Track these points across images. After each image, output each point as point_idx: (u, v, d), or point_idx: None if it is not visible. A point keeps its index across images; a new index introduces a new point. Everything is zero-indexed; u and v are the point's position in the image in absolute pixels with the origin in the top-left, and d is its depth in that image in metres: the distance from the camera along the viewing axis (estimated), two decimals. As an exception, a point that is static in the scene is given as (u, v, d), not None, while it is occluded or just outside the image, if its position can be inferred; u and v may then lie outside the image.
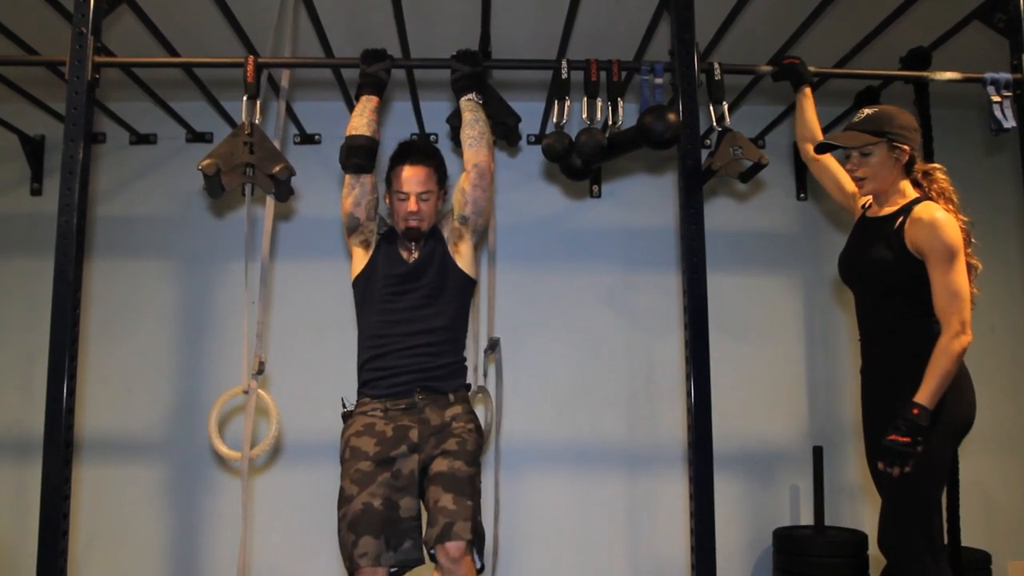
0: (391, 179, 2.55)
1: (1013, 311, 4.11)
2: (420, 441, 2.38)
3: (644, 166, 4.19)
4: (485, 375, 2.92)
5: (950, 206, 2.33)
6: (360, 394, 2.53)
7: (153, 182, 4.09)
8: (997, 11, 2.64)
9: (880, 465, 2.20)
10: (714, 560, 2.24)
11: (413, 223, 2.49)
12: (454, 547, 2.20)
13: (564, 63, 2.57)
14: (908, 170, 2.37)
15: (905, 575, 2.25)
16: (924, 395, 2.15)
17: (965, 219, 2.33)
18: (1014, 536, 4.03)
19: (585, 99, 2.55)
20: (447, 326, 2.51)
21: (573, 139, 2.58)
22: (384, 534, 2.25)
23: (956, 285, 2.17)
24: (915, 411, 2.14)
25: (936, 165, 2.45)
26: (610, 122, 2.58)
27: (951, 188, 2.38)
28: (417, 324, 2.46)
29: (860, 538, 3.76)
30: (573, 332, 4.07)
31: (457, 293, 2.55)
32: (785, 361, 4.15)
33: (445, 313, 2.51)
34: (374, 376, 2.47)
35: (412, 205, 2.48)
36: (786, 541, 3.78)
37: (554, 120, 2.61)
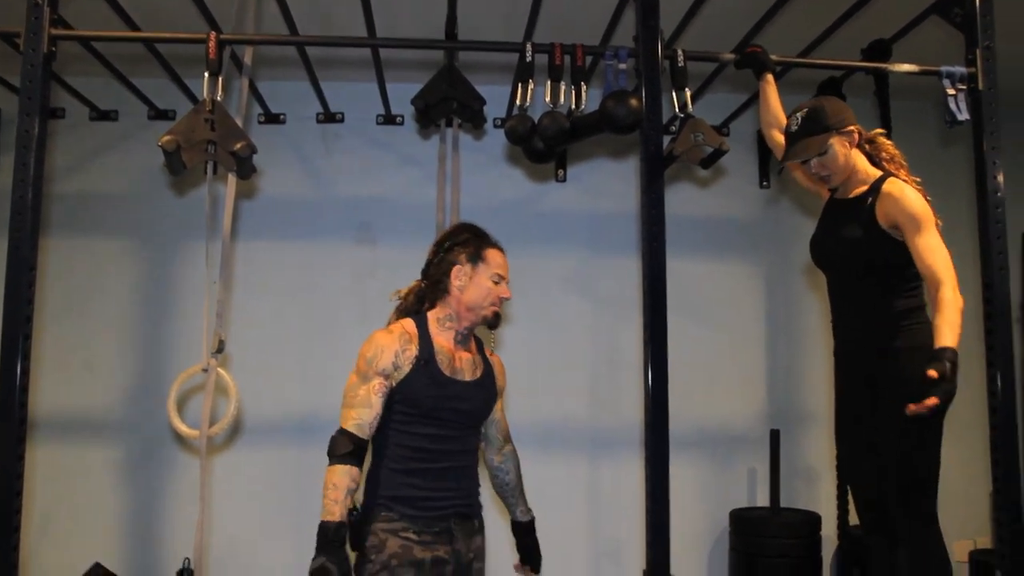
0: (479, 255, 2.25)
1: (966, 299, 4.19)
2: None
3: (609, 151, 4.21)
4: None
5: (902, 170, 2.39)
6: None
7: (114, 159, 4.04)
8: (954, 6, 2.69)
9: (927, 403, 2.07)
10: (668, 539, 2.28)
11: (499, 310, 2.27)
12: None
13: (529, 46, 2.58)
14: (859, 145, 2.42)
15: (918, 539, 2.30)
16: (949, 341, 2.10)
17: (917, 179, 2.38)
18: (960, 516, 4.13)
19: (549, 83, 2.56)
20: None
21: (536, 122, 2.59)
22: None
23: (939, 246, 2.22)
24: (947, 354, 2.08)
25: (877, 131, 2.50)
26: (573, 106, 2.59)
27: (897, 152, 2.44)
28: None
29: (814, 519, 3.85)
30: (537, 315, 4.09)
31: None
32: (746, 346, 4.22)
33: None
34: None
35: (508, 291, 2.26)
36: (742, 522, 3.85)
37: (518, 103, 2.62)
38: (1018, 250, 4.37)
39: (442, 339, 2.21)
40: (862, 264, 2.37)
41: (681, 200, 4.18)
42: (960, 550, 4.15)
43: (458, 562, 2.17)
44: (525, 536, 2.46)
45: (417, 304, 2.29)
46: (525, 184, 4.18)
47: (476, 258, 2.23)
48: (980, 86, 2.58)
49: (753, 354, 4.22)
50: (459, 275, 2.22)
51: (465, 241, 2.26)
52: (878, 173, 2.39)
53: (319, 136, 4.12)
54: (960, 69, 2.60)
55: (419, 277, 2.32)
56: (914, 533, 2.30)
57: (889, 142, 2.46)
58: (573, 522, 4.02)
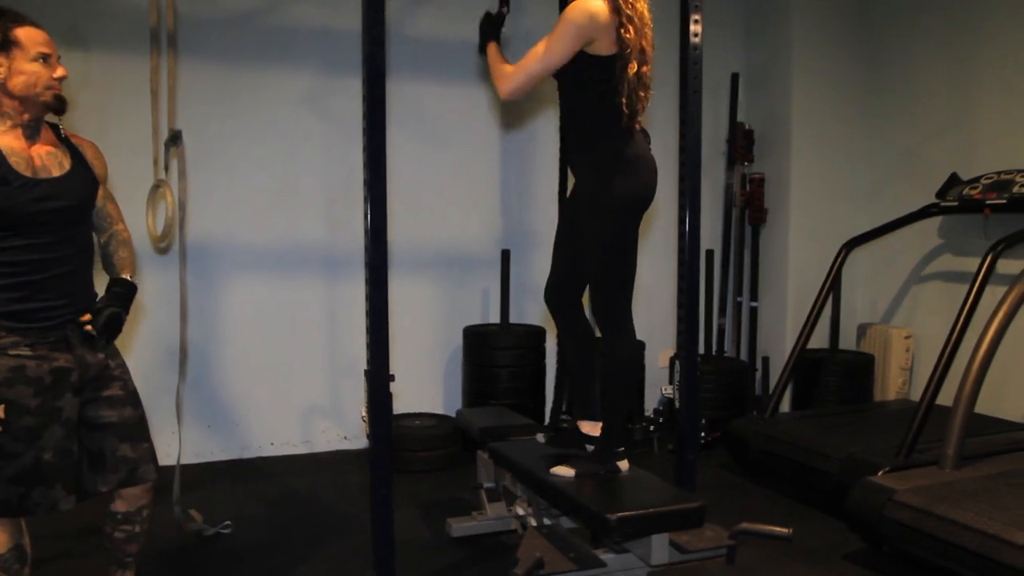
0: (9, 39, 1.98)
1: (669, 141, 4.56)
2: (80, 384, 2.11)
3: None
4: (167, 169, 2.79)
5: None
6: None
7: None
8: None
9: None
10: (387, 349, 2.38)
11: (59, 93, 2.04)
12: (142, 488, 2.19)
13: None
14: None
15: (615, 334, 2.48)
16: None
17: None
18: (665, 329, 4.66)
19: None
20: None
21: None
22: (60, 482, 2.05)
23: (543, 54, 2.30)
24: None
25: None
26: None
27: None
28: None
29: (539, 332, 4.19)
30: (270, 133, 3.95)
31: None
32: (482, 170, 4.36)
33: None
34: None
35: (62, 69, 2.04)
36: (475, 337, 4.12)
37: None
38: (727, 88, 4.78)
39: (8, 140, 1.99)
40: (565, 76, 2.39)
41: (420, 24, 4.13)
42: (663, 357, 4.73)
43: (84, 366, 2.08)
44: (114, 285, 2.20)
45: None
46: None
47: (7, 44, 1.97)
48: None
49: (487, 177, 4.37)
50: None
51: None
52: None
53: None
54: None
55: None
56: (610, 331, 2.52)
57: None
58: (312, 342, 4.10)
